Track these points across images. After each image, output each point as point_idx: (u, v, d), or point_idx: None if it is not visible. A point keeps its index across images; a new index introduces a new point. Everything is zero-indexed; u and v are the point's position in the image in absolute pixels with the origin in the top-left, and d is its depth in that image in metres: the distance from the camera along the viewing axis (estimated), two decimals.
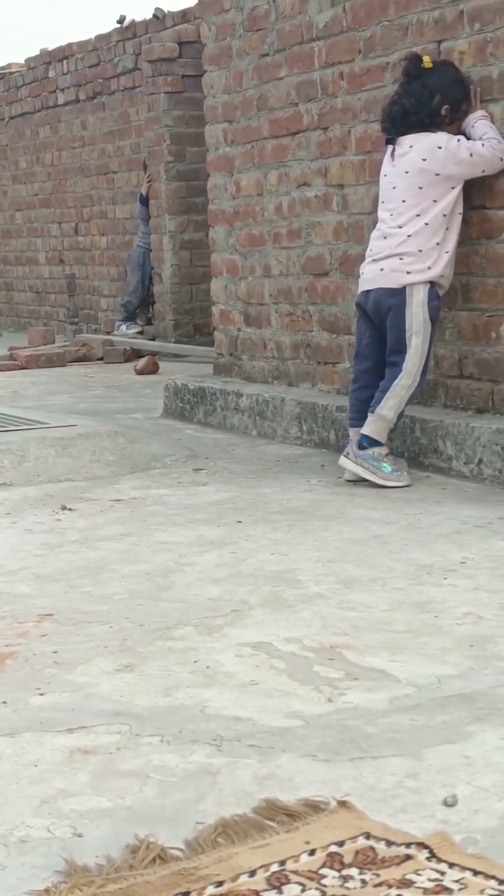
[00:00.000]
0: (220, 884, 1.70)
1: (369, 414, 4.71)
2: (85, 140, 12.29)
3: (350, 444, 4.78)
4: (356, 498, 4.45)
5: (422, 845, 1.79)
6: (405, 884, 1.68)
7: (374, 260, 4.83)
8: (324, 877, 1.72)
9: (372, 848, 1.80)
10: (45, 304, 13.51)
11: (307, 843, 1.82)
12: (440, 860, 1.75)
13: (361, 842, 1.82)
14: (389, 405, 4.67)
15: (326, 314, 5.90)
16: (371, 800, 1.98)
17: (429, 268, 4.69)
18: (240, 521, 4.12)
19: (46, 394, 7.97)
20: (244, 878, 1.72)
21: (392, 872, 1.72)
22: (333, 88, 5.73)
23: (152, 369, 8.98)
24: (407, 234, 4.72)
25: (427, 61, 4.81)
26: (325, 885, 1.69)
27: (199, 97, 7.53)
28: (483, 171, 4.71)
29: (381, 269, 4.76)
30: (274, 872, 1.73)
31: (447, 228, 4.73)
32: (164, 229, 10.27)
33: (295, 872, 1.73)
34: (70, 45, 12.38)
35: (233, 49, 6.48)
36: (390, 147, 4.87)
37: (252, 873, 1.73)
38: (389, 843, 1.81)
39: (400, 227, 4.75)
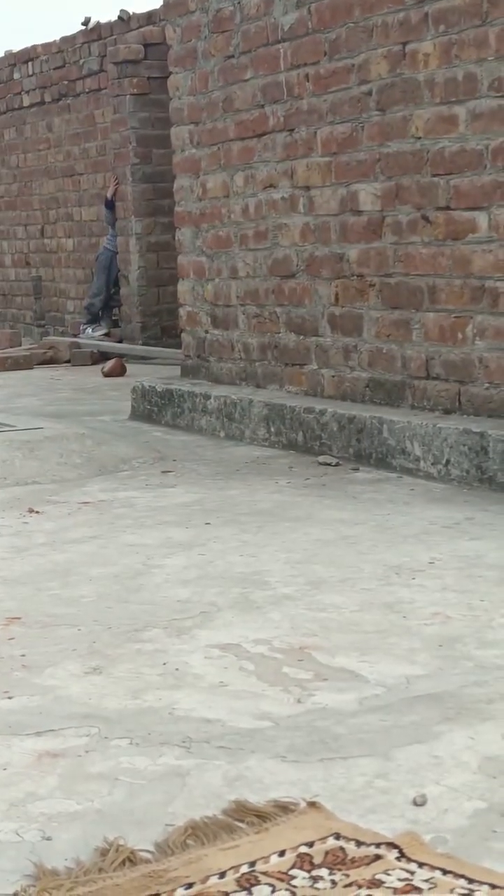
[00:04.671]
0: (189, 885, 1.70)
1: None
2: (51, 142, 12.26)
3: None
4: (325, 499, 4.45)
5: (391, 845, 1.80)
6: (375, 884, 1.68)
7: None
8: (294, 877, 1.71)
9: (342, 848, 1.80)
10: (12, 306, 13.47)
11: (277, 844, 1.82)
12: (410, 860, 1.75)
13: (331, 842, 1.82)
14: None
15: (293, 316, 5.91)
16: (341, 800, 1.98)
17: None
18: (208, 523, 4.12)
19: (13, 396, 7.94)
20: (214, 879, 1.72)
21: (362, 872, 1.72)
22: (299, 90, 5.74)
23: (120, 372, 8.97)
24: None
25: None
26: (295, 886, 1.69)
27: (164, 99, 7.52)
28: None
29: None
30: (244, 874, 1.73)
31: None
32: (131, 231, 10.25)
33: (265, 874, 1.73)
34: (35, 46, 12.35)
35: (198, 51, 6.48)
36: None
37: (222, 875, 1.73)
38: (359, 844, 1.81)
39: None
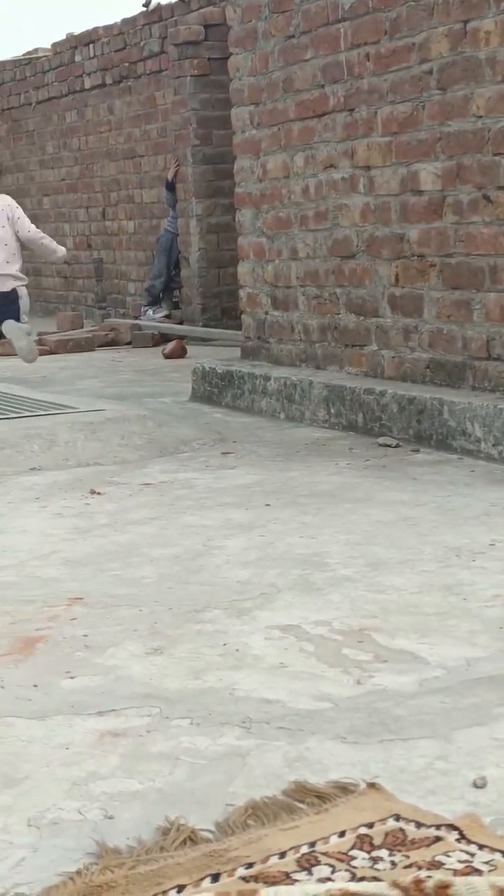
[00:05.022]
0: (250, 865, 1.71)
1: None
2: (111, 124, 12.29)
3: None
4: (385, 481, 4.44)
5: (451, 827, 1.80)
6: (435, 865, 1.68)
7: None
8: (354, 858, 1.72)
9: (402, 829, 1.80)
10: (73, 288, 13.53)
11: (336, 825, 1.83)
12: (470, 842, 1.75)
13: (391, 823, 1.82)
14: None
15: (353, 296, 5.89)
16: (400, 781, 1.98)
17: None
18: (268, 505, 4.13)
19: (75, 378, 7.99)
20: (274, 859, 1.73)
21: (422, 854, 1.72)
22: (359, 70, 5.71)
23: (180, 353, 8.98)
24: None
25: None
26: (354, 867, 1.69)
27: (225, 80, 7.52)
28: None
29: None
30: (304, 854, 1.74)
31: None
32: (191, 213, 10.26)
33: (325, 854, 1.73)
34: (96, 29, 12.38)
35: (258, 31, 6.46)
36: None
37: (282, 855, 1.74)
38: (419, 825, 1.81)
39: None
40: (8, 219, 8.05)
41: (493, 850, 1.72)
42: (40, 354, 9.60)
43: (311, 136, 6.12)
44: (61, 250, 8.39)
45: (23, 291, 8.20)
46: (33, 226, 8.25)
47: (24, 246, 8.56)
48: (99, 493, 4.44)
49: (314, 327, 6.21)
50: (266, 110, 6.48)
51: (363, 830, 1.80)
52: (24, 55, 14.22)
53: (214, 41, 9.90)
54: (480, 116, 4.98)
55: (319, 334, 6.18)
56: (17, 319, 8.08)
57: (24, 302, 8.29)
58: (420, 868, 1.67)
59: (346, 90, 5.82)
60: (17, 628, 2.90)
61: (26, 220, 8.16)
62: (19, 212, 8.19)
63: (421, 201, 5.38)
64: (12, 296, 8.12)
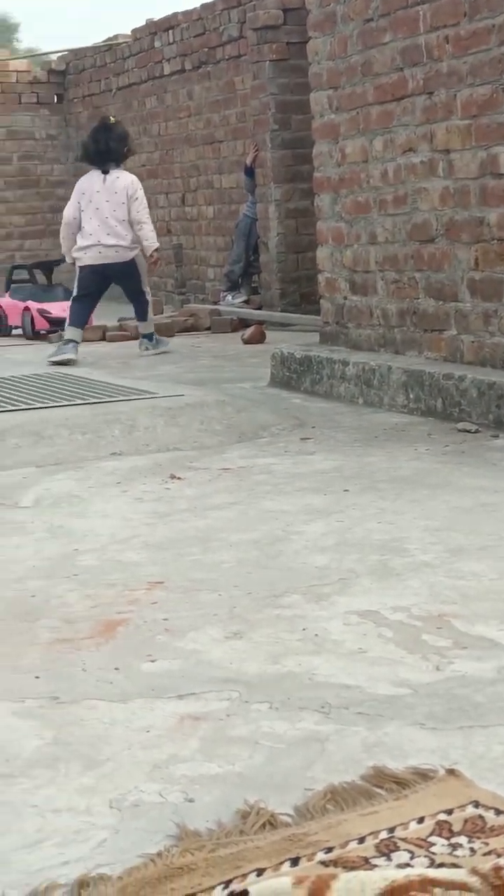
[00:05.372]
0: (329, 850, 1.72)
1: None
2: (191, 110, 12.31)
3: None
4: (464, 467, 4.43)
5: None
6: None
7: None
8: (433, 844, 1.72)
9: (481, 816, 1.80)
10: (153, 274, 13.56)
11: (416, 811, 1.83)
12: None
13: (470, 810, 1.82)
14: None
15: (433, 281, 5.86)
16: (480, 768, 1.98)
17: None
18: (347, 490, 4.13)
19: (155, 364, 8.03)
20: (353, 844, 1.73)
21: (501, 841, 1.72)
22: (439, 52, 5.67)
23: (259, 339, 8.99)
24: None
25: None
26: (433, 853, 1.69)
27: (304, 64, 7.50)
28: None
29: None
30: (383, 839, 1.74)
31: None
32: (270, 198, 10.25)
33: (404, 840, 1.74)
34: (175, 14, 12.39)
35: (337, 15, 6.44)
36: None
37: (361, 840, 1.74)
38: (498, 812, 1.81)
39: None
40: (128, 195, 8.44)
41: None
42: (121, 340, 9.66)
43: (389, 120, 6.09)
44: (153, 245, 8.57)
45: (140, 260, 8.58)
46: (146, 212, 8.56)
47: None
48: (179, 478, 4.47)
49: (393, 312, 6.19)
50: (345, 94, 6.46)
51: (442, 817, 1.80)
52: (104, 42, 14.27)
53: (293, 25, 9.87)
54: None
55: (398, 319, 6.16)
56: (139, 287, 8.62)
57: (142, 266, 8.64)
58: (500, 855, 1.67)
59: (426, 73, 5.78)
60: (98, 612, 2.93)
61: (139, 204, 8.50)
62: (139, 193, 8.54)
63: (501, 184, 5.34)
64: (131, 266, 8.51)
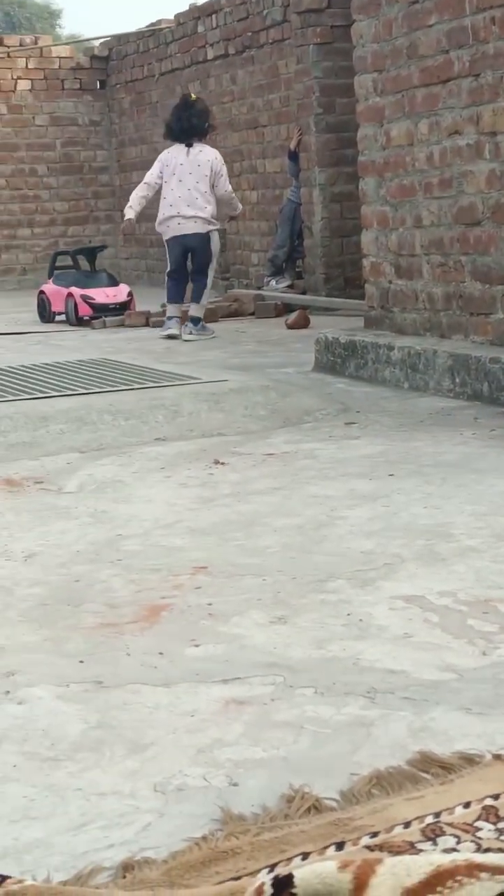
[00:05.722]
0: (374, 834, 1.71)
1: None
2: (234, 94, 12.28)
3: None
4: None
5: None
6: None
7: None
8: (479, 829, 1.71)
9: None
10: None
11: (462, 795, 1.82)
12: None
13: None
14: None
15: (479, 264, 5.82)
16: None
17: None
18: (392, 475, 4.11)
19: (199, 349, 8.03)
20: (399, 829, 1.72)
21: None
22: (485, 34, 5.62)
23: (303, 323, 8.97)
24: None
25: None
26: (480, 838, 1.68)
27: (348, 47, 7.46)
28: None
29: None
30: (429, 824, 1.73)
31: None
32: (315, 182, 10.22)
33: (450, 825, 1.73)
34: None
35: None
36: None
37: (407, 825, 1.73)
38: None
39: None
40: (212, 169, 8.73)
41: None
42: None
43: (435, 103, 6.05)
44: (240, 208, 9.27)
45: (215, 237, 8.86)
46: (230, 186, 9.01)
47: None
48: (223, 464, 4.46)
49: (439, 296, 6.16)
50: (390, 77, 6.42)
51: (489, 802, 1.79)
52: (147, 27, 14.27)
53: (337, 8, 9.82)
54: None
55: (444, 303, 6.12)
56: (205, 265, 8.82)
57: (216, 244, 8.90)
58: None
59: (472, 55, 5.73)
60: (142, 596, 2.93)
61: (225, 180, 8.89)
62: (224, 169, 8.88)
63: None
64: (206, 240, 8.77)
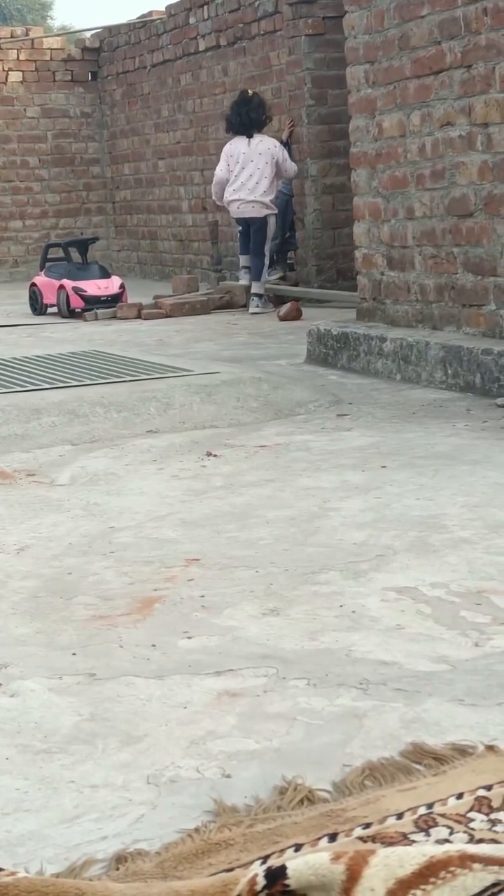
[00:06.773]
0: (367, 826, 1.71)
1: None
2: (226, 86, 12.26)
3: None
4: (503, 442, 4.40)
5: None
6: None
7: None
8: (472, 820, 1.71)
9: None
10: (189, 251, 13.56)
11: (455, 786, 1.82)
12: None
13: None
14: None
15: (471, 255, 5.82)
16: None
17: None
18: (384, 467, 4.11)
19: (191, 341, 8.02)
20: (392, 820, 1.72)
21: None
22: (477, 25, 5.62)
23: (295, 315, 8.97)
24: None
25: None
26: (473, 829, 1.68)
27: (339, 39, 7.45)
28: None
29: None
30: (421, 815, 1.73)
31: None
32: (306, 174, 10.21)
33: (443, 815, 1.73)
34: None
35: None
36: None
37: (399, 816, 1.73)
38: None
39: None
40: (273, 157, 9.65)
41: None
42: (156, 318, 9.67)
43: (427, 94, 6.05)
44: (295, 168, 10.00)
45: (271, 221, 9.78)
46: (293, 165, 9.91)
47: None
48: (215, 456, 4.46)
49: (431, 287, 6.16)
50: (381, 68, 6.41)
51: (482, 793, 1.79)
52: (138, 18, 14.24)
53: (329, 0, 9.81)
54: None
55: (436, 294, 6.12)
56: (262, 245, 9.82)
57: (271, 229, 9.80)
58: None
59: (464, 46, 5.73)
60: (135, 589, 2.93)
61: (289, 162, 9.84)
62: (285, 154, 9.79)
63: None
64: (263, 223, 9.74)
